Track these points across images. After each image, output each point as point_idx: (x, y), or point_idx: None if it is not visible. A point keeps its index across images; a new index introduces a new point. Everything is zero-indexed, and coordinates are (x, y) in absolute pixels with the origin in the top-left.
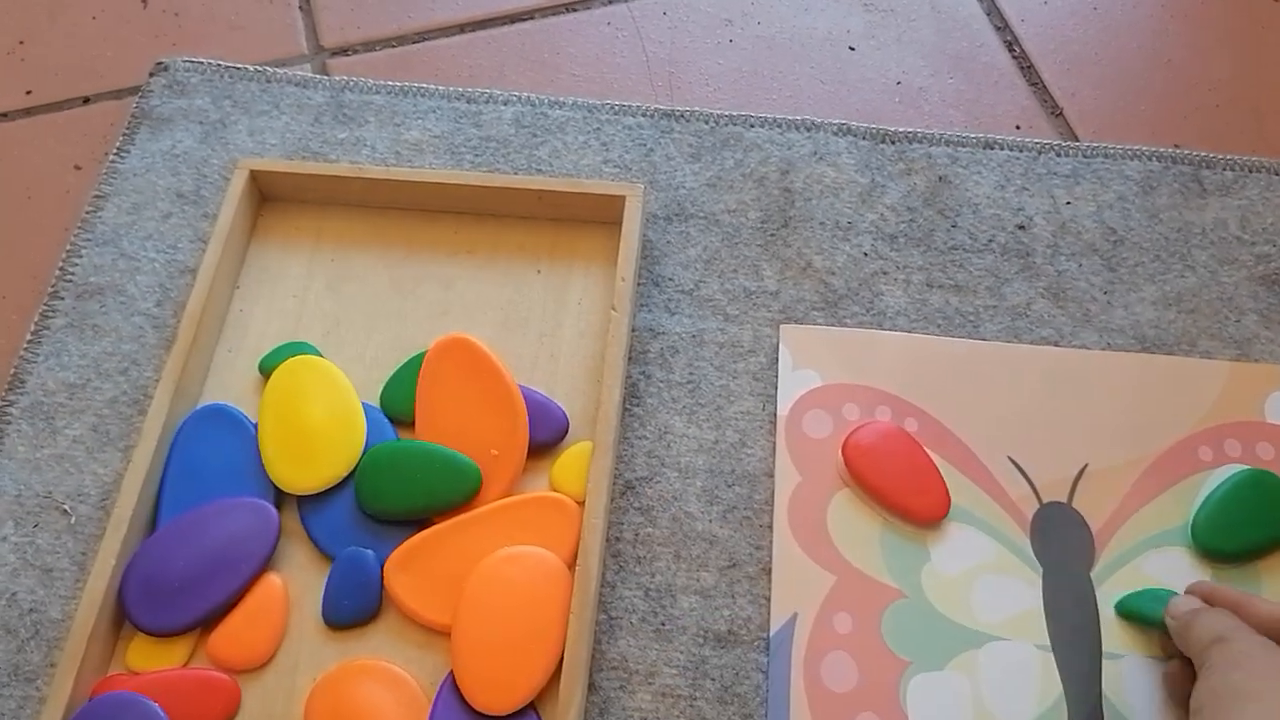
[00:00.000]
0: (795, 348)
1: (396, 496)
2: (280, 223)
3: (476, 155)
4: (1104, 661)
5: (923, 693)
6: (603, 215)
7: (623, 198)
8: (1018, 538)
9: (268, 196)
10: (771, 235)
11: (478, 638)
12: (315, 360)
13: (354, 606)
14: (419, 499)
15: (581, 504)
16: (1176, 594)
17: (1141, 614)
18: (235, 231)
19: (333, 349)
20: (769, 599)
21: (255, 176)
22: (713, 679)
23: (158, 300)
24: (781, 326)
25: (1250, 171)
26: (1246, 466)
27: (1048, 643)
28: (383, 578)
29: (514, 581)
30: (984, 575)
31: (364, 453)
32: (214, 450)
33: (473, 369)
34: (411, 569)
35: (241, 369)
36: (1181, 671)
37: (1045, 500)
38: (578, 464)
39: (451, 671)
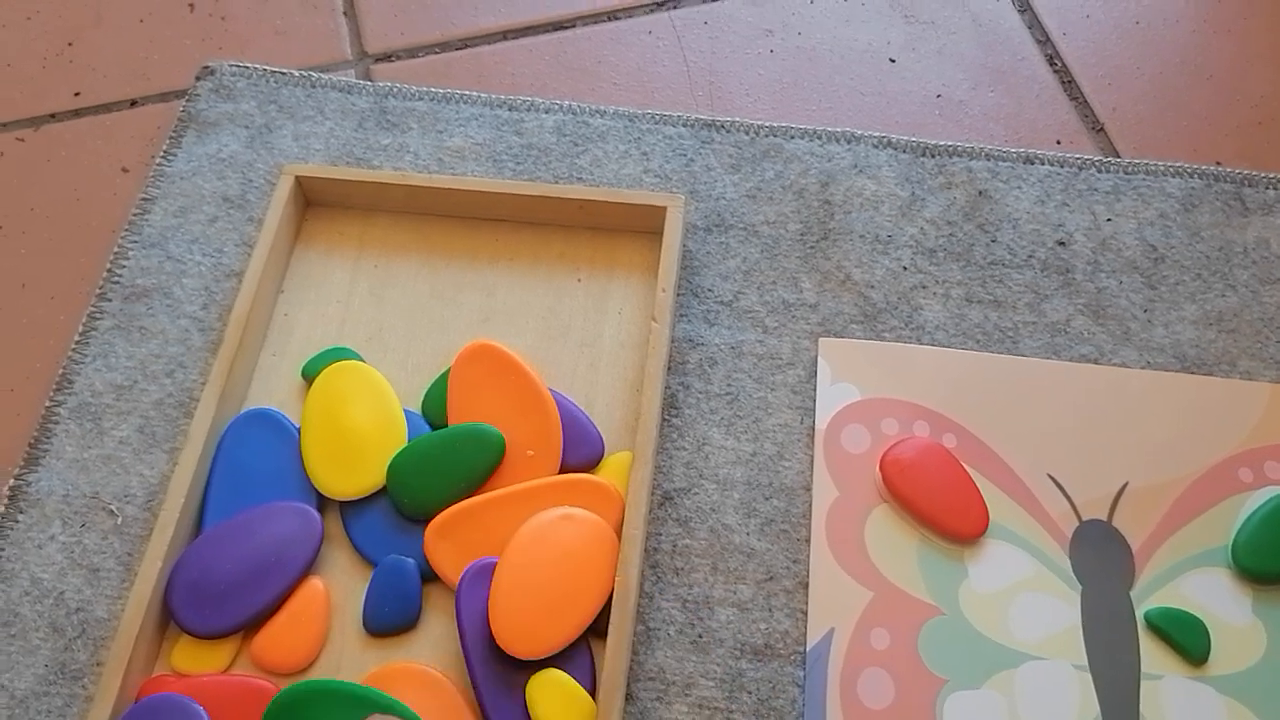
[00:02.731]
0: (834, 361)
1: (428, 490)
2: (324, 228)
3: (518, 163)
4: (1142, 682)
5: (959, 711)
6: (643, 225)
7: (664, 208)
8: (1057, 555)
9: (312, 202)
10: (811, 247)
11: (518, 582)
12: (358, 366)
13: (394, 614)
14: (449, 483)
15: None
16: (1203, 624)
17: (1168, 634)
18: (280, 236)
19: (375, 355)
20: (806, 613)
21: (300, 182)
22: (749, 692)
23: (203, 304)
24: (820, 339)
25: None
26: None
27: (1085, 662)
28: (422, 577)
29: (563, 536)
30: (1022, 593)
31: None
32: (258, 454)
33: (501, 373)
34: (452, 537)
35: (285, 374)
36: None
37: (1085, 518)
38: (617, 475)
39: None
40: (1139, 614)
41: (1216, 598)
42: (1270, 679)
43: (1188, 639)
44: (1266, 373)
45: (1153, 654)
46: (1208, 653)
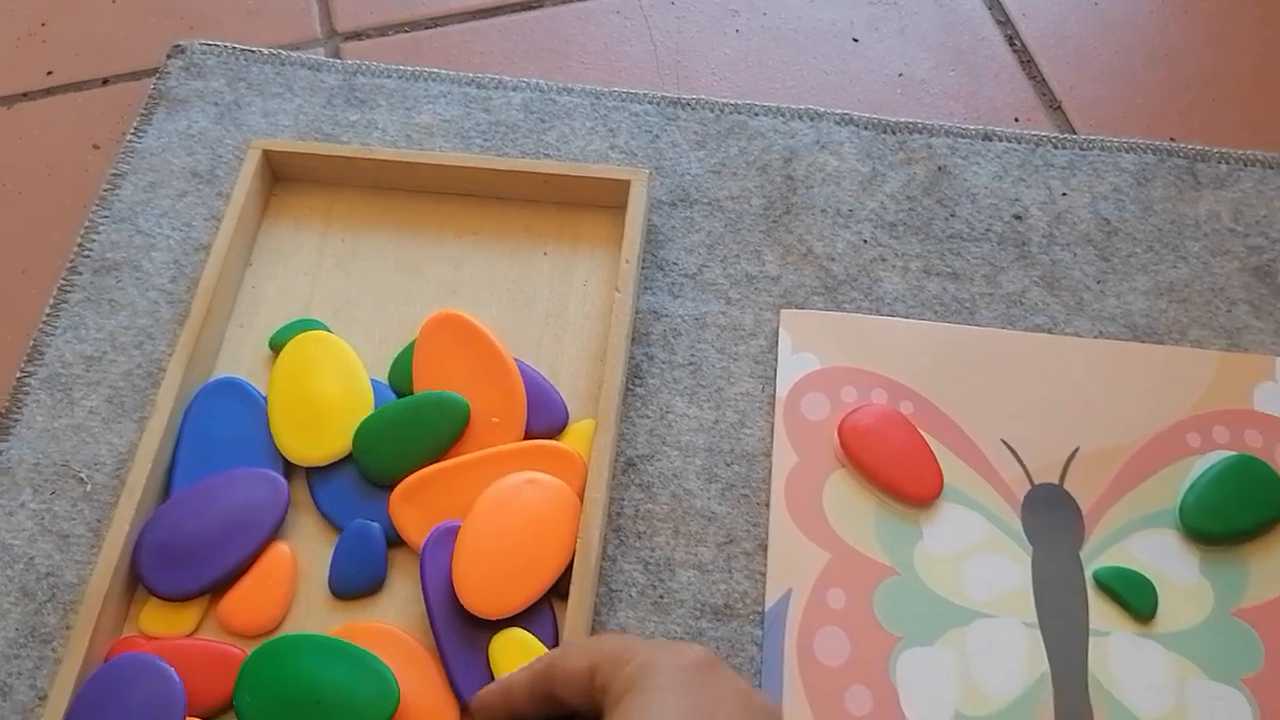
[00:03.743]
0: (795, 332)
1: (393, 457)
2: (292, 202)
3: (485, 139)
4: (1090, 638)
5: (912, 667)
6: (609, 200)
7: (628, 182)
8: (1009, 518)
9: (280, 177)
10: (774, 222)
11: (482, 544)
12: (324, 336)
13: (360, 577)
14: (414, 449)
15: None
16: (1150, 582)
17: (1116, 592)
18: (248, 210)
19: (342, 326)
20: (764, 574)
21: (268, 156)
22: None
23: (172, 276)
24: (782, 311)
25: (1244, 165)
26: (1234, 452)
27: (1035, 620)
28: (387, 542)
29: (527, 500)
30: (975, 554)
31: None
32: (225, 422)
33: (466, 342)
34: (417, 501)
35: (253, 345)
36: None
37: (1037, 482)
38: (581, 441)
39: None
40: (1088, 573)
41: (1164, 558)
42: (1215, 635)
43: (1135, 597)
44: (1216, 341)
45: (1101, 612)
46: (1155, 610)
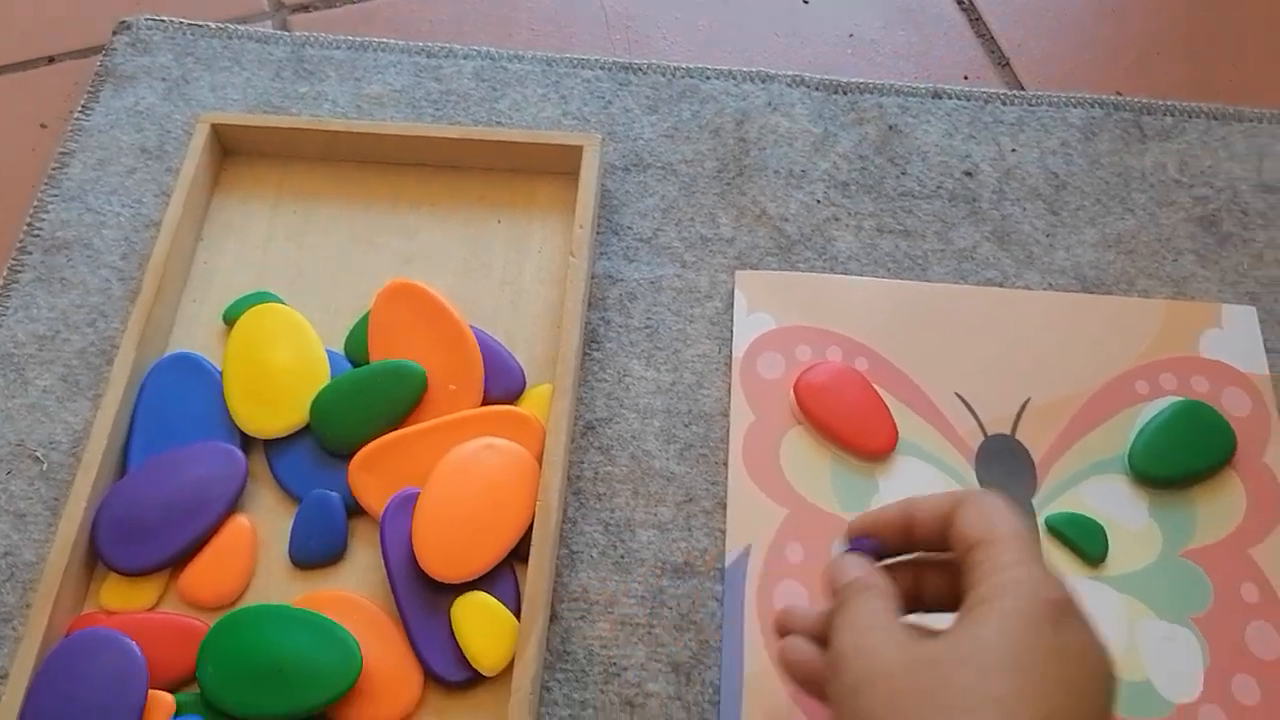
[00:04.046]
0: (750, 292)
1: (351, 426)
2: (243, 177)
3: (437, 109)
4: None
5: None
6: (562, 166)
7: (580, 147)
8: (963, 469)
9: (230, 150)
10: (727, 184)
11: (441, 509)
12: (278, 308)
13: (320, 547)
14: (371, 418)
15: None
16: (1101, 527)
17: (1067, 537)
18: (197, 184)
19: (297, 299)
20: (724, 532)
21: (217, 130)
22: (670, 608)
23: (123, 254)
24: (737, 272)
25: (1189, 117)
26: (1181, 398)
27: None
28: (347, 511)
29: (485, 465)
30: None
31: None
32: (180, 397)
33: (421, 310)
34: (375, 470)
35: (206, 319)
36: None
37: (990, 433)
38: (538, 406)
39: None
40: (1040, 520)
41: (1114, 503)
42: (1165, 576)
43: (1086, 542)
44: (1162, 290)
45: (1053, 557)
46: (1105, 554)
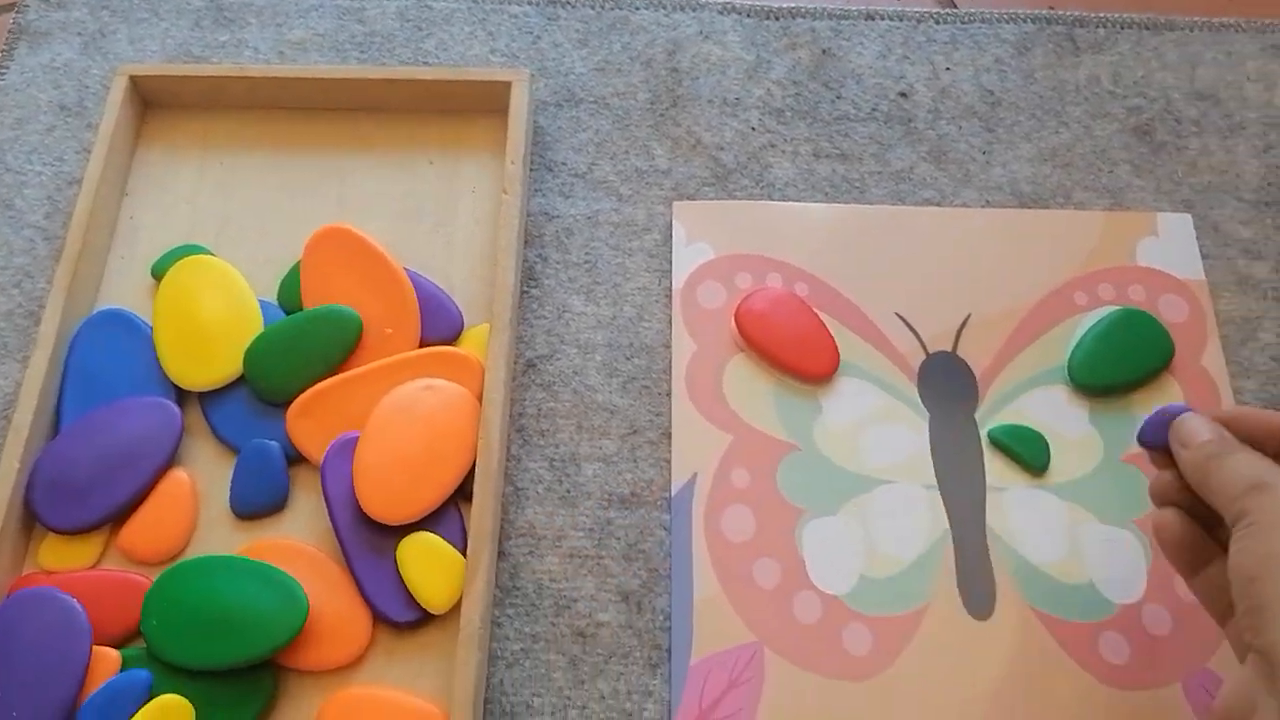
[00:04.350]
0: (688, 223)
1: (286, 374)
2: (166, 129)
3: (362, 52)
4: (987, 494)
5: (817, 537)
6: (491, 104)
7: (509, 84)
8: (905, 387)
9: (151, 103)
10: (661, 115)
11: (382, 450)
12: (207, 259)
13: (261, 496)
14: (307, 365)
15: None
16: (1042, 436)
17: (1011, 449)
18: (119, 138)
19: (227, 250)
20: (669, 462)
21: (136, 82)
22: (618, 538)
23: (46, 213)
24: (674, 203)
25: (1121, 28)
26: (1120, 307)
27: (934, 482)
28: (288, 460)
29: (425, 406)
30: (873, 424)
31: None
32: (111, 354)
33: (353, 255)
34: (314, 416)
35: (135, 275)
36: (1181, 522)
37: (931, 351)
38: (477, 346)
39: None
40: (983, 434)
41: (1055, 413)
42: (1106, 482)
43: (1028, 452)
44: (1099, 202)
45: (997, 469)
46: (1047, 463)
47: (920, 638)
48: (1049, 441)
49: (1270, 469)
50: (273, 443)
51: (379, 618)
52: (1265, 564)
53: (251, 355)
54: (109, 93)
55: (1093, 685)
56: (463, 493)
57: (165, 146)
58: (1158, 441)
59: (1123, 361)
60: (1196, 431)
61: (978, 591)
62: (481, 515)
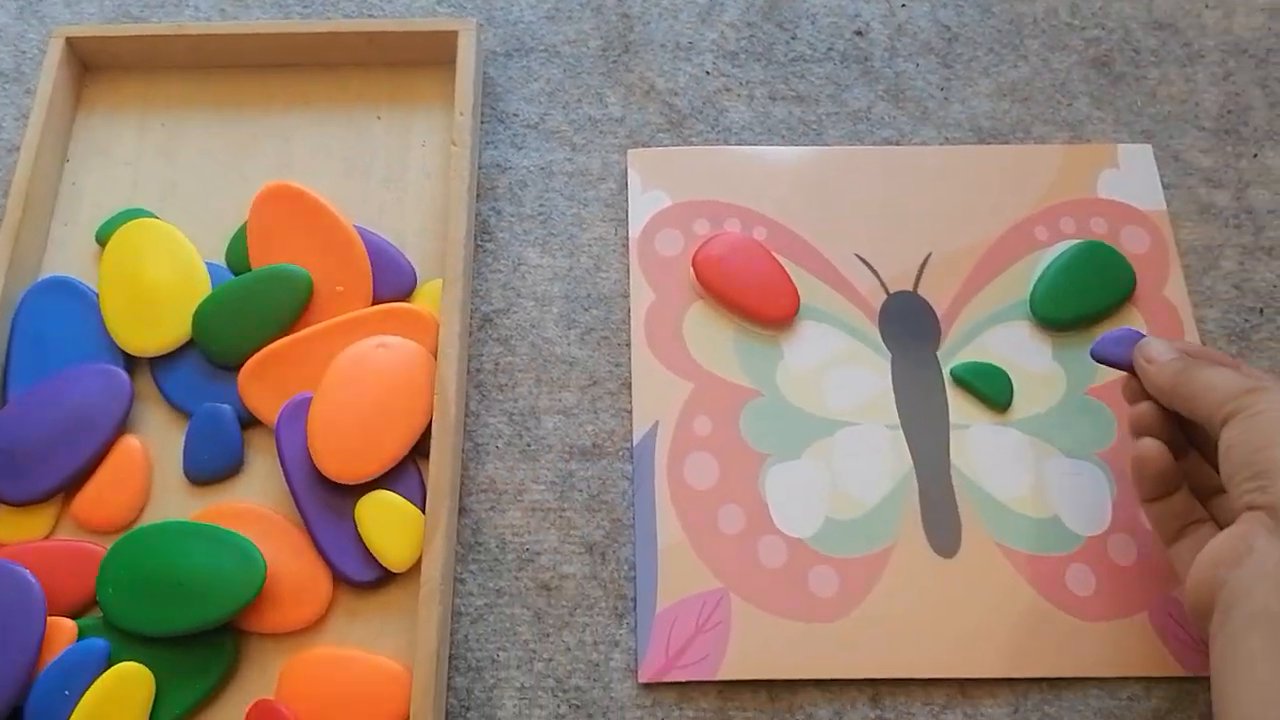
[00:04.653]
0: (643, 171)
1: (236, 336)
2: (106, 93)
3: (305, 6)
4: (951, 433)
5: (781, 481)
6: (439, 56)
7: (455, 33)
8: (867, 328)
9: (90, 66)
10: (613, 62)
11: (337, 410)
12: (151, 222)
13: (216, 460)
14: (257, 326)
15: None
16: (1005, 373)
17: (973, 386)
18: (57, 103)
19: (172, 213)
20: (630, 412)
21: (73, 45)
22: (580, 490)
23: None
24: (629, 151)
25: None
26: (1081, 240)
27: (898, 422)
28: (242, 423)
29: (379, 363)
30: (835, 367)
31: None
32: (57, 322)
33: (300, 213)
34: (266, 378)
35: (79, 242)
36: (1162, 450)
37: (892, 291)
38: (432, 302)
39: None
40: (946, 372)
41: (1018, 348)
42: (1070, 416)
43: (991, 389)
44: (1059, 135)
45: (960, 406)
46: (1010, 399)
47: (887, 577)
48: (1012, 377)
49: (1258, 375)
50: (225, 406)
51: (340, 578)
52: (1273, 435)
53: (200, 318)
54: (45, 56)
55: (1060, 618)
56: (421, 450)
57: (105, 110)
58: (1110, 355)
59: (1084, 295)
60: (1164, 349)
61: (943, 529)
62: (439, 471)
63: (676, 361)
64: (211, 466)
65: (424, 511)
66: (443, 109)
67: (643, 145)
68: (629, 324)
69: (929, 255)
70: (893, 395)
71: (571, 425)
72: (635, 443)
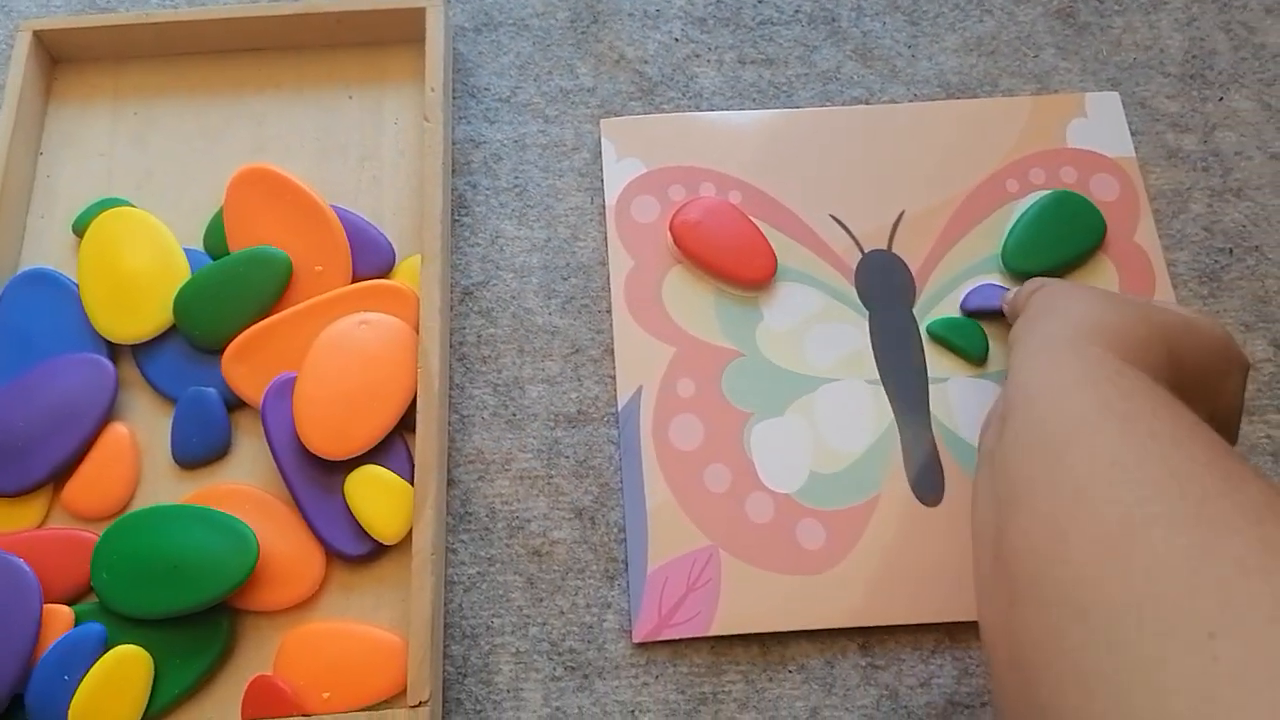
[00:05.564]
0: (617, 139)
1: (218, 320)
2: (76, 84)
3: None
4: (930, 386)
5: (765, 438)
6: (408, 33)
7: (423, 10)
8: (843, 287)
9: (60, 58)
10: (582, 33)
11: (322, 387)
12: (127, 210)
13: (203, 443)
14: (238, 309)
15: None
16: (980, 327)
17: (949, 341)
18: (28, 96)
19: (148, 201)
20: (614, 378)
21: (40, 37)
22: (567, 457)
23: None
24: (601, 120)
25: None
26: (1051, 190)
27: (877, 377)
28: (228, 405)
29: (362, 340)
30: (814, 325)
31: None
32: (39, 314)
33: (276, 194)
34: (250, 360)
35: (56, 233)
36: None
37: (867, 249)
38: (411, 277)
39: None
40: (922, 328)
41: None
42: None
43: (967, 343)
44: (1026, 87)
45: (937, 361)
46: (986, 353)
47: (873, 528)
48: (987, 331)
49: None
50: (210, 390)
51: (332, 553)
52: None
53: (181, 303)
54: (12, 50)
55: None
56: (408, 424)
57: (77, 101)
58: (975, 307)
59: (1055, 244)
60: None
61: (926, 479)
62: (426, 443)
63: (657, 326)
64: (199, 450)
65: (413, 484)
66: (414, 86)
67: (615, 114)
68: (609, 291)
69: (902, 213)
70: (871, 352)
71: (556, 393)
72: (620, 407)
